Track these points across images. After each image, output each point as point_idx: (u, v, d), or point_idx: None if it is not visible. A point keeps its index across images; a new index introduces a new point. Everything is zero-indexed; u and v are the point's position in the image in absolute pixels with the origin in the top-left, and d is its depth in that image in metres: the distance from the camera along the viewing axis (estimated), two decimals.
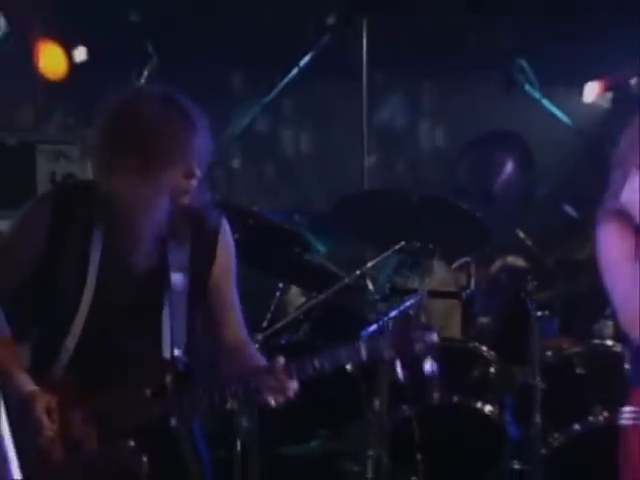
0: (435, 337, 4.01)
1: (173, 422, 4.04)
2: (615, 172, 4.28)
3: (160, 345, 4.01)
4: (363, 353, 3.97)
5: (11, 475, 3.25)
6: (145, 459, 3.91)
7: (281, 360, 3.94)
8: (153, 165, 3.93)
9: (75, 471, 3.97)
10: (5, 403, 3.45)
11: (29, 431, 3.93)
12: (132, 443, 3.93)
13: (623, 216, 4.24)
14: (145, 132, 3.96)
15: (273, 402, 3.96)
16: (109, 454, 3.96)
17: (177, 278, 4.05)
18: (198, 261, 4.10)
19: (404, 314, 4.21)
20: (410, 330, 4.02)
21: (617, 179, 4.27)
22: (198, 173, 3.96)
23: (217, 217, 4.15)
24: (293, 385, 3.94)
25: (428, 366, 4.05)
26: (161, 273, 4.03)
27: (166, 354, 4.01)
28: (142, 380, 3.99)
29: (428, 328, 4.05)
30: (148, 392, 3.98)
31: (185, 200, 3.99)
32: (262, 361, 4.08)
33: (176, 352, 4.01)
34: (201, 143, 3.99)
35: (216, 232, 4.13)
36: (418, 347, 3.98)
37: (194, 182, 3.97)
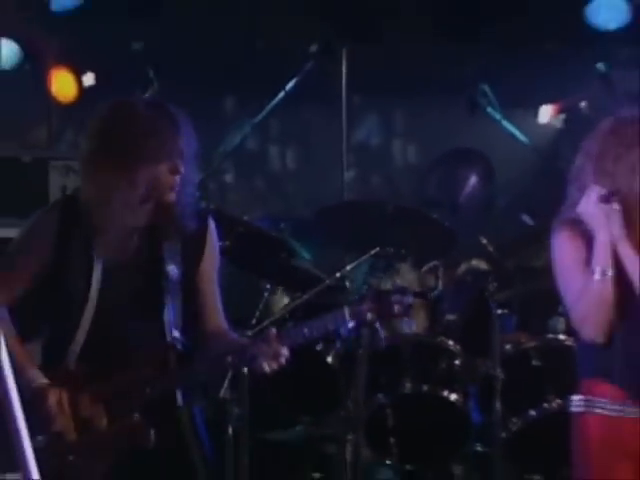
0: (410, 299, 4.03)
1: (179, 400, 4.05)
2: (572, 186, 4.27)
3: (162, 328, 4.02)
4: (348, 317, 3.95)
5: (30, 475, 3.23)
6: (152, 431, 3.91)
7: (273, 330, 3.95)
8: (137, 161, 3.93)
9: (87, 449, 3.99)
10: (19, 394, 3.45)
11: (42, 420, 3.95)
12: (137, 416, 3.94)
13: (577, 225, 4.22)
14: (133, 130, 3.94)
15: (267, 368, 3.92)
16: (118, 429, 3.97)
17: (172, 269, 4.05)
18: (188, 256, 4.10)
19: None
20: (389, 294, 4.02)
21: (574, 192, 4.26)
22: (182, 170, 3.96)
23: (205, 218, 4.16)
24: (285, 352, 3.92)
25: (406, 325, 4.10)
26: (157, 265, 4.04)
27: (167, 336, 4.01)
28: (146, 360, 4.01)
29: (404, 292, 4.06)
30: (152, 370, 4.00)
31: (171, 197, 3.98)
32: (245, 341, 4.06)
33: (175, 333, 4.03)
34: (185, 142, 3.99)
35: (204, 231, 4.13)
36: (396, 308, 3.99)
37: (178, 178, 3.97)
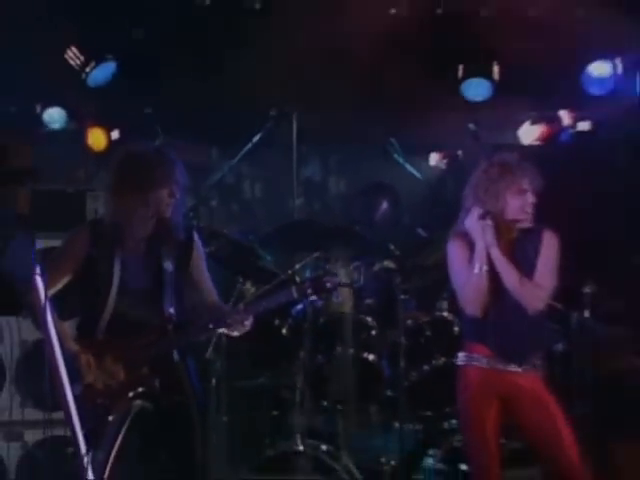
0: (337, 279, 4.20)
1: (175, 357, 4.02)
2: (462, 207, 4.32)
3: (161, 307, 4.03)
4: (294, 293, 4.04)
5: (71, 414, 3.16)
6: (157, 380, 3.90)
7: (242, 304, 4.14)
8: (148, 187, 3.95)
9: (111, 394, 3.93)
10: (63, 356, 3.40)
11: (79, 373, 3.90)
12: (146, 370, 3.92)
13: (464, 236, 4.27)
14: (142, 165, 3.95)
15: (237, 331, 4.02)
16: (132, 379, 3.94)
17: (168, 265, 4.06)
18: (179, 256, 4.11)
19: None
20: (323, 276, 4.13)
21: (463, 212, 4.30)
22: (177, 194, 4.01)
23: (191, 231, 4.19)
24: (250, 319, 4.00)
25: (334, 296, 4.27)
26: (158, 263, 4.04)
27: (165, 312, 4.02)
28: (151, 330, 3.98)
29: (334, 275, 4.20)
30: (155, 337, 3.97)
31: (168, 212, 4.00)
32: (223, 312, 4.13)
33: (171, 310, 4.01)
34: (179, 175, 4.04)
35: (191, 240, 4.16)
36: (328, 285, 4.08)
37: (174, 200, 4.01)
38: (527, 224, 4.24)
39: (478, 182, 4.27)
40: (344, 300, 5.75)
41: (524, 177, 4.22)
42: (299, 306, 5.44)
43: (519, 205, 4.21)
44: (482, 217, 4.20)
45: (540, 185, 4.25)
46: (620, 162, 6.29)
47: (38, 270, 3.56)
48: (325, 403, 5.59)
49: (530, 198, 4.22)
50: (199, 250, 4.18)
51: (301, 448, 5.17)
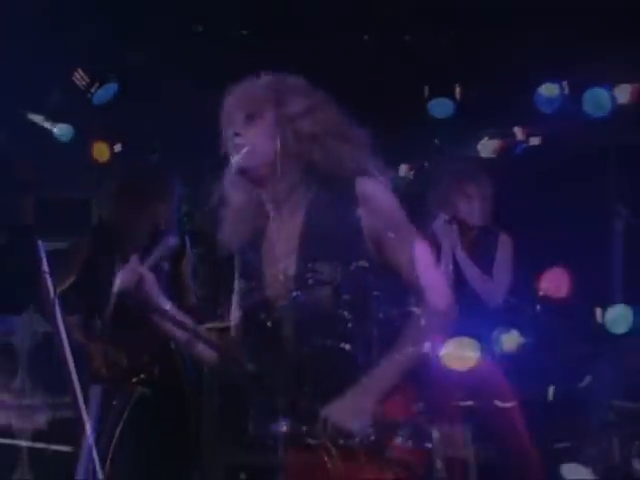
0: (318, 277, 4.19)
1: (172, 347, 4.02)
2: (428, 213, 4.40)
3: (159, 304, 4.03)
4: (279, 289, 4.09)
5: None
6: (156, 367, 3.91)
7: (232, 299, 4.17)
8: (147, 201, 4.00)
9: (115, 380, 3.95)
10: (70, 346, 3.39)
11: (86, 360, 3.90)
12: (146, 357, 3.95)
13: (431, 239, 4.32)
14: (143, 181, 4.00)
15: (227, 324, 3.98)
16: (134, 367, 3.94)
17: (164, 265, 4.09)
18: (173, 258, 4.13)
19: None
20: (305, 274, 4.12)
21: (429, 217, 4.38)
22: (173, 207, 4.09)
23: (184, 236, 4.26)
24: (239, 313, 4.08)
25: (317, 292, 4.25)
26: (155, 264, 4.06)
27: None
28: (149, 324, 3.99)
29: (315, 272, 4.18)
30: (153, 329, 3.98)
31: (164, 222, 4.04)
32: None
33: (167, 307, 4.03)
34: (176, 188, 4.13)
35: (184, 244, 4.20)
36: (310, 282, 4.12)
37: (169, 212, 4.09)
38: (478, 224, 4.35)
39: (436, 190, 4.38)
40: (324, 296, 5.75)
41: (471, 184, 4.33)
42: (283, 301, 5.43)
43: (467, 210, 4.32)
44: (448, 222, 4.28)
45: (490, 191, 4.35)
46: (565, 172, 6.37)
47: (46, 268, 3.55)
48: (306, 388, 5.57)
49: (477, 203, 4.33)
50: (188, 253, 4.25)
51: (284, 428, 5.15)
